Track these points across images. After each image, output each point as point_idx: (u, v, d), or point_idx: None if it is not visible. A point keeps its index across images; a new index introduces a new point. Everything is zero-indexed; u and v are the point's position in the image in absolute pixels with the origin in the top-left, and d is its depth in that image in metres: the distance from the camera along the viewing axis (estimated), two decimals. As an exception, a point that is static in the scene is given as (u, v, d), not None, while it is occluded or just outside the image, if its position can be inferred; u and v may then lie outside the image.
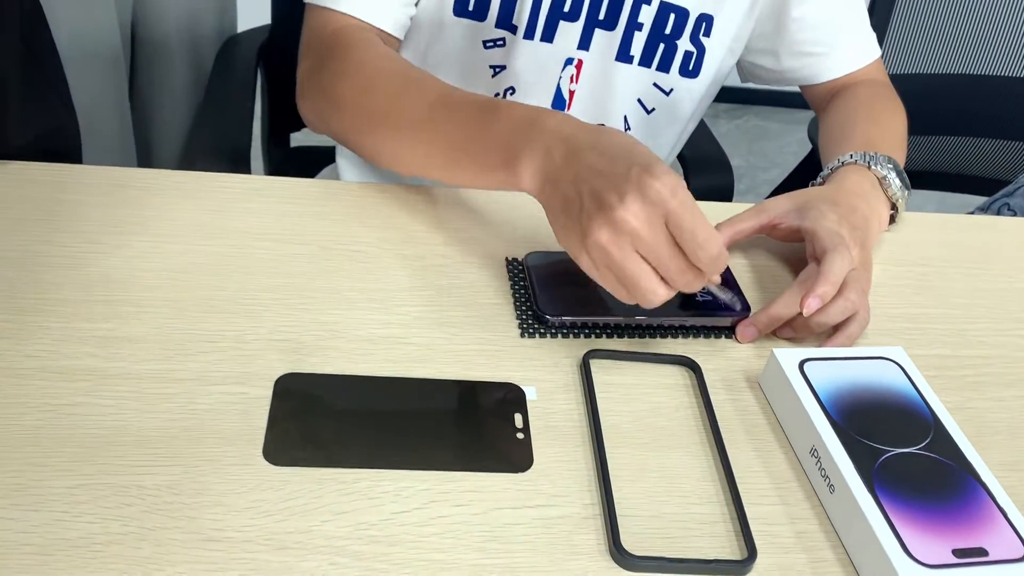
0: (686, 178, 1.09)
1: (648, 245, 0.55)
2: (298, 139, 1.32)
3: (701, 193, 1.06)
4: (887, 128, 0.83)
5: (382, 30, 0.78)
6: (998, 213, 1.20)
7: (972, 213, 1.23)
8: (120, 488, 0.49)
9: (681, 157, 1.09)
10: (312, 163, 1.20)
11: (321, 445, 0.53)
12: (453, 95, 0.67)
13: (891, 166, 0.74)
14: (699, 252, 0.55)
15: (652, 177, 0.55)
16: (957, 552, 0.49)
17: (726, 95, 2.87)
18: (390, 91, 0.70)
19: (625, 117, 0.89)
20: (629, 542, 0.50)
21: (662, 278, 0.57)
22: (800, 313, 0.63)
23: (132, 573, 0.45)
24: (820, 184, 0.76)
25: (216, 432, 0.53)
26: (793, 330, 0.65)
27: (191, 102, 1.19)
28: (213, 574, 0.45)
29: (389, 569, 0.47)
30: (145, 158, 1.20)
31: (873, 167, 0.74)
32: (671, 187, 0.55)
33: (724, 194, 1.09)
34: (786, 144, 2.70)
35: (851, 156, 0.75)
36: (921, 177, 1.48)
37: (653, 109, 0.90)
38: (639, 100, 0.89)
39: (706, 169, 1.10)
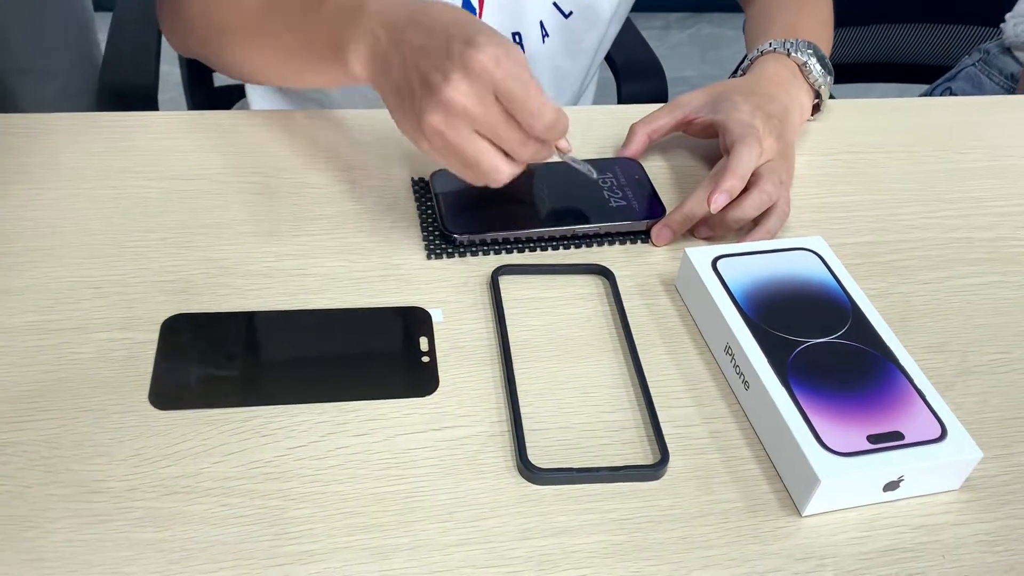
0: (617, 85, 1.06)
1: (481, 121, 0.52)
2: (223, 78, 1.26)
3: (634, 99, 1.04)
4: (809, 14, 0.80)
5: None
6: (938, 97, 1.17)
7: (914, 100, 1.21)
8: (-7, 447, 0.46)
9: (612, 63, 1.05)
10: (236, 101, 1.15)
11: (210, 386, 0.50)
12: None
13: (811, 51, 0.71)
14: (533, 122, 0.52)
15: (474, 50, 0.51)
16: (872, 438, 0.48)
17: (678, 3, 2.79)
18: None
19: (541, 23, 0.85)
20: (537, 456, 0.48)
21: (506, 154, 0.54)
22: (722, 212, 0.61)
23: (6, 532, 0.43)
24: (740, 76, 0.73)
25: (98, 381, 0.50)
26: (710, 228, 0.63)
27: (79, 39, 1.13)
28: (95, 525, 0.43)
29: (284, 505, 0.45)
30: (21, 102, 1.14)
31: (793, 54, 0.71)
32: (495, 58, 0.51)
33: (658, 99, 1.06)
34: (741, 51, 2.64)
35: (770, 44, 0.72)
36: (872, 69, 1.44)
37: (571, 12, 0.86)
38: (555, 4, 0.84)
39: (638, 75, 1.06)
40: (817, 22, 0.79)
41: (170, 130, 0.68)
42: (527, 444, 0.49)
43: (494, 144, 0.54)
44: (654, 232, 0.63)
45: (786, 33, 0.73)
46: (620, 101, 1.05)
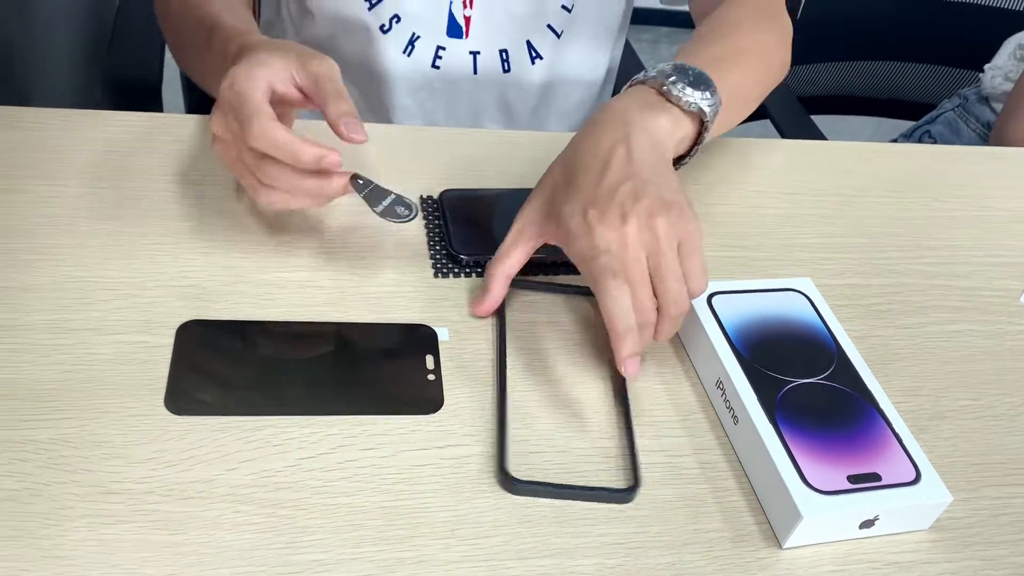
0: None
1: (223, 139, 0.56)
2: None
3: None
4: (736, 42, 0.68)
5: None
6: (919, 141, 1.21)
7: (895, 141, 1.25)
8: (12, 444, 0.47)
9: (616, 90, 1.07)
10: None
11: (225, 393, 0.52)
12: (215, 20, 0.65)
13: (674, 78, 0.58)
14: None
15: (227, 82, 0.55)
16: (852, 478, 0.51)
17: (668, 18, 2.80)
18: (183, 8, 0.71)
19: (529, 43, 0.86)
20: (520, 471, 0.51)
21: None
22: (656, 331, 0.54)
23: (26, 528, 0.44)
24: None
25: (115, 383, 0.51)
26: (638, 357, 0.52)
27: (85, 33, 1.13)
28: (112, 526, 0.45)
29: (294, 515, 0.47)
30: (29, 97, 1.14)
31: (647, 81, 0.59)
32: (230, 76, 0.55)
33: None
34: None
35: (628, 86, 0.60)
36: (857, 103, 1.48)
37: (562, 32, 0.86)
38: (549, 25, 0.85)
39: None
40: (743, 51, 0.68)
41: (188, 133, 0.69)
42: (509, 456, 0.51)
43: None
44: (625, 370, 0.52)
45: (685, 59, 0.61)
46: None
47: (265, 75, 0.55)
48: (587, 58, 0.90)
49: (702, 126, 0.60)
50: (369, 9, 0.81)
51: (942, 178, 0.82)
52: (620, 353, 0.51)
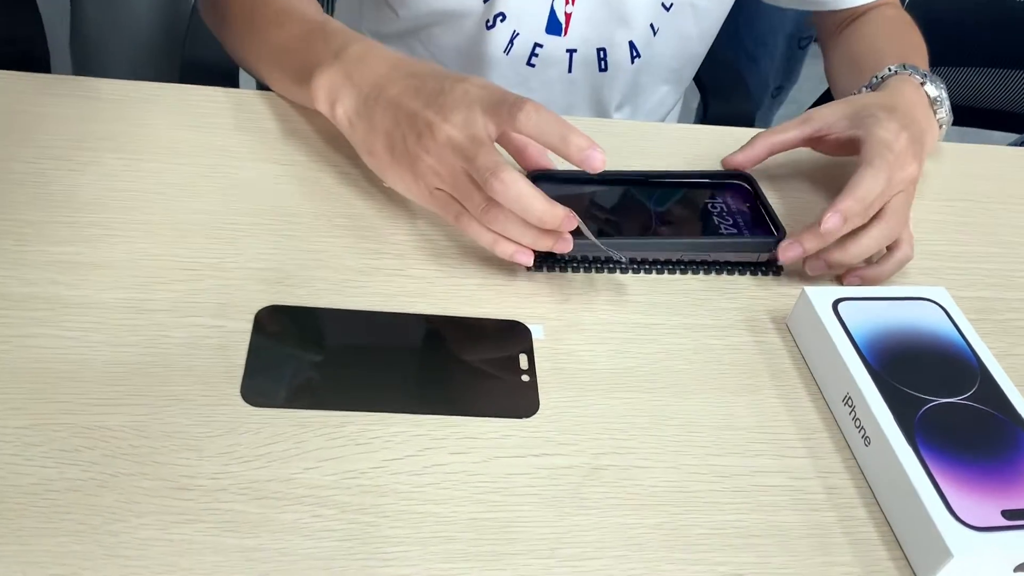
0: (704, 103, 1.02)
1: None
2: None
3: (720, 120, 1.01)
4: (918, 51, 0.76)
5: None
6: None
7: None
8: (80, 429, 0.44)
9: (699, 81, 1.02)
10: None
11: (305, 385, 0.48)
12: (301, 11, 0.64)
13: (943, 87, 0.67)
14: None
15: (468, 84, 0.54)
16: (1007, 513, 0.45)
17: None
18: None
19: (631, 43, 0.82)
20: (639, 495, 0.45)
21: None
22: (841, 244, 0.57)
23: (90, 523, 0.40)
24: (872, 92, 0.68)
25: (189, 369, 0.48)
26: (827, 263, 0.59)
27: (167, 11, 1.12)
28: (182, 525, 0.41)
29: (378, 522, 0.43)
30: (84, 68, 1.12)
31: (927, 85, 0.67)
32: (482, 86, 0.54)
33: (744, 122, 1.02)
34: (804, 79, 2.59)
35: (903, 67, 0.68)
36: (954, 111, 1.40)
37: (659, 29, 0.82)
38: (651, 25, 0.81)
39: (724, 94, 1.03)
40: (923, 58, 0.75)
41: (270, 111, 0.66)
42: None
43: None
44: (783, 247, 0.58)
45: (905, 62, 0.69)
46: (704, 122, 1.02)
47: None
48: (679, 54, 0.85)
49: None
50: (484, 2, 0.77)
51: (1078, 186, 0.75)
52: (836, 206, 0.56)
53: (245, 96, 0.67)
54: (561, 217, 0.52)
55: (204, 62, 0.94)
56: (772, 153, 0.65)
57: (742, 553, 0.44)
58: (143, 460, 0.43)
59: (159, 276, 0.52)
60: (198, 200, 0.57)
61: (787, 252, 0.58)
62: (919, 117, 0.63)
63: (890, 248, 0.59)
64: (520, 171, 0.59)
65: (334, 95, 0.57)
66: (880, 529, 0.47)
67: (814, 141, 0.65)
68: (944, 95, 0.67)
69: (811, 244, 0.57)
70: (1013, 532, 0.44)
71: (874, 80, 0.68)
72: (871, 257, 0.60)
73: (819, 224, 0.56)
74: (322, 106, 0.58)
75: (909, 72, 0.67)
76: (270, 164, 0.61)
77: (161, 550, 0.40)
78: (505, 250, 0.54)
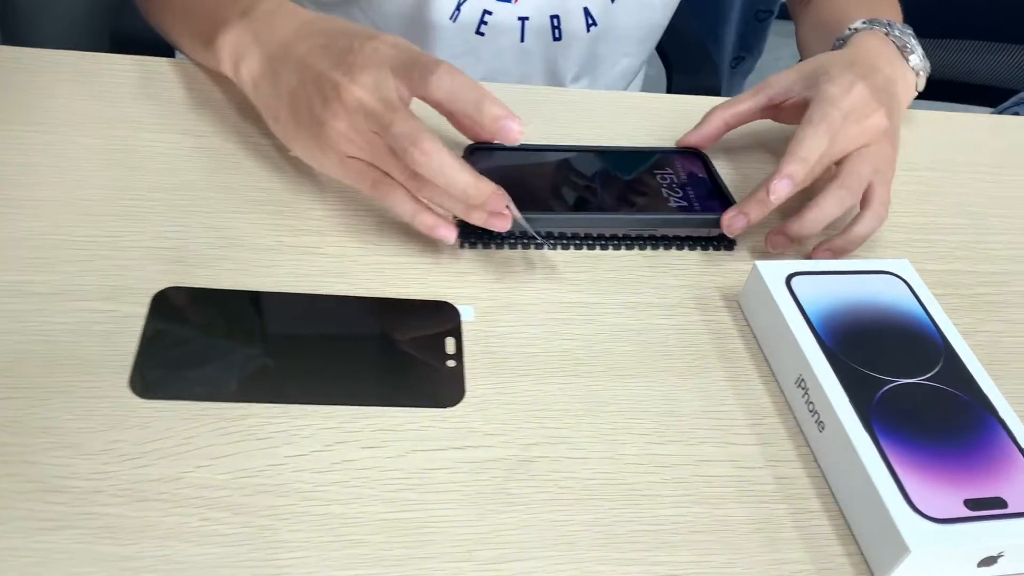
0: (668, 77, 0.98)
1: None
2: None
3: (685, 90, 0.97)
4: (890, 8, 0.72)
5: None
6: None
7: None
8: (-59, 427, 0.39)
9: (662, 52, 0.98)
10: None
11: (202, 374, 0.43)
12: None
13: (910, 33, 0.63)
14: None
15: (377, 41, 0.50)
16: (970, 503, 0.41)
17: None
18: None
19: (586, 9, 0.77)
20: (571, 489, 0.41)
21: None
22: (798, 214, 0.54)
23: (-57, 533, 0.36)
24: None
25: (73, 357, 0.43)
26: (787, 236, 0.55)
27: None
28: (50, 532, 0.37)
29: (274, 525, 0.38)
30: (15, 37, 1.06)
31: (891, 32, 0.63)
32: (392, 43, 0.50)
33: (709, 95, 0.98)
34: (779, 58, 2.55)
35: (863, 23, 0.64)
36: (931, 86, 1.36)
37: None
38: None
39: (689, 67, 0.98)
40: (897, 16, 0.71)
41: (182, 80, 0.61)
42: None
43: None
44: (727, 219, 0.54)
45: (875, 17, 0.65)
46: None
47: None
48: (640, 24, 0.80)
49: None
50: None
51: (1052, 154, 0.71)
52: (781, 170, 0.52)
53: (155, 64, 0.62)
54: (487, 193, 0.48)
55: (137, 32, 0.89)
56: (729, 128, 0.61)
57: (681, 551, 0.40)
58: (10, 460, 0.39)
59: (46, 256, 0.47)
60: (99, 175, 0.53)
61: (732, 223, 0.54)
62: (882, 65, 0.59)
63: (860, 209, 0.55)
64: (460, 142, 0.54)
65: (238, 55, 0.53)
66: (834, 522, 0.43)
67: (773, 110, 0.61)
68: (914, 42, 0.62)
69: (756, 212, 0.54)
70: (976, 523, 0.40)
71: (838, 43, 0.64)
72: (840, 225, 0.56)
73: (764, 191, 0.52)
74: (226, 67, 0.54)
75: (873, 25, 0.63)
76: (180, 136, 0.56)
77: (24, 561, 0.36)
78: (425, 222, 0.49)
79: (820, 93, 0.55)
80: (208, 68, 0.60)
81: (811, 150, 0.52)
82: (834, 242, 0.55)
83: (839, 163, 0.55)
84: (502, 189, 0.48)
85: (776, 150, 0.65)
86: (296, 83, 0.50)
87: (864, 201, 0.55)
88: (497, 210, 0.49)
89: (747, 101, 0.60)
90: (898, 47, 0.62)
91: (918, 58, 0.62)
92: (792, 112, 0.60)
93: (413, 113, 0.48)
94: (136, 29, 0.87)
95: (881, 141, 0.55)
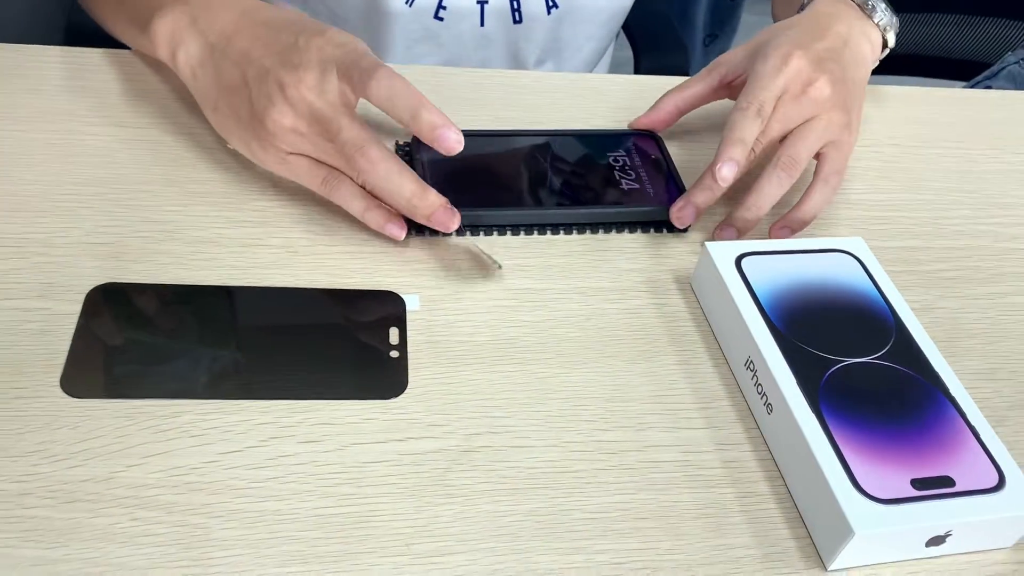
0: (636, 58, 0.97)
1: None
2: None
3: (654, 72, 0.96)
4: None
5: None
6: (981, 93, 1.08)
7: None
8: None
9: (629, 33, 0.96)
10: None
11: (136, 372, 0.42)
12: None
13: None
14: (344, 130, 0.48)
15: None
16: (917, 483, 0.40)
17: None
18: None
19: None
20: (513, 478, 0.41)
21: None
22: (740, 201, 0.53)
23: None
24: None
25: (3, 358, 0.42)
26: (734, 227, 0.54)
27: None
28: (-27, 538, 0.36)
29: (207, 523, 0.38)
30: None
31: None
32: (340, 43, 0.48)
33: (679, 72, 0.97)
34: (754, 24, 2.54)
35: None
36: (896, 61, 1.35)
37: None
38: None
39: (656, 47, 0.97)
40: None
41: (120, 71, 0.59)
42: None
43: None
44: (675, 210, 0.54)
45: None
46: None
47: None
48: (605, 5, 0.79)
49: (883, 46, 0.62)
50: None
51: (1015, 128, 0.70)
52: (721, 156, 0.51)
53: (90, 55, 0.60)
54: (434, 206, 0.48)
55: (93, 25, 0.87)
56: (682, 112, 0.60)
57: (626, 539, 0.40)
58: (-66, 464, 0.38)
59: (-24, 255, 0.46)
60: (31, 169, 0.51)
61: (681, 214, 0.54)
62: (834, 25, 0.57)
63: (812, 180, 0.55)
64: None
65: (176, 40, 0.51)
66: (783, 505, 0.42)
67: (727, 90, 0.60)
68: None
69: (703, 199, 0.53)
70: (923, 503, 0.39)
71: (800, 11, 0.63)
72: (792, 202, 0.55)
73: (711, 177, 0.52)
74: (163, 52, 0.53)
75: None
76: (116, 128, 0.55)
77: (-57, 567, 0.35)
78: (375, 219, 0.49)
79: (753, 73, 0.54)
80: (144, 55, 0.58)
81: (745, 131, 0.52)
82: (788, 217, 0.54)
83: (782, 141, 0.54)
84: (447, 202, 0.48)
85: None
86: (238, 77, 0.48)
87: (816, 172, 0.54)
88: (442, 219, 0.48)
89: (698, 83, 0.59)
90: (858, 4, 0.60)
91: (882, 13, 0.61)
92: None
93: (359, 118, 0.47)
94: (92, 23, 0.86)
95: (829, 110, 0.54)
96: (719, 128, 0.53)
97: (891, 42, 0.62)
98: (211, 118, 0.51)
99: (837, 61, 0.55)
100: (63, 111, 0.56)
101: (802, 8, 0.62)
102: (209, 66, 0.50)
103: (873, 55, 0.61)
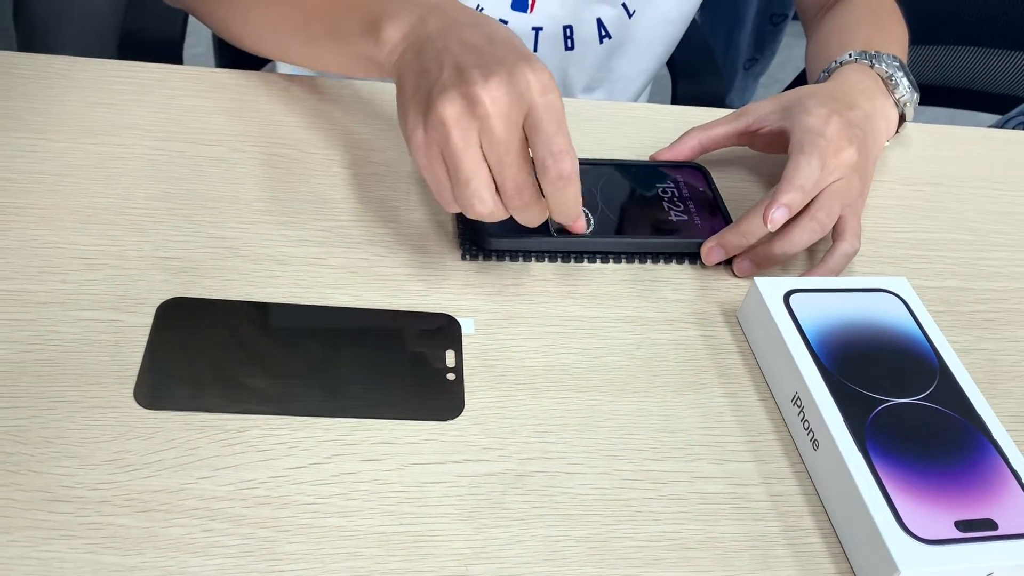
0: (673, 83, 0.98)
1: (495, 138, 0.45)
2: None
3: (689, 99, 0.97)
4: (891, 33, 0.72)
5: None
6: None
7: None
8: (-52, 435, 0.40)
9: (669, 59, 0.98)
10: (268, 62, 1.09)
11: (206, 386, 0.44)
12: None
13: (897, 64, 0.64)
14: (548, 162, 0.45)
15: (528, 67, 0.46)
16: (961, 525, 0.41)
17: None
18: None
19: (599, 20, 0.77)
20: (566, 504, 0.42)
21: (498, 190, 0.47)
22: (769, 238, 0.54)
23: (-50, 542, 0.37)
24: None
25: (79, 368, 0.44)
26: (753, 262, 0.55)
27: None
28: (55, 541, 0.37)
29: (275, 537, 0.39)
30: (31, 43, 1.07)
31: (876, 65, 0.63)
32: (544, 84, 0.46)
33: (714, 101, 0.98)
34: (789, 59, 2.55)
35: (849, 55, 0.64)
36: (927, 93, 1.36)
37: (634, 12, 0.78)
38: (624, 5, 0.77)
39: (695, 73, 0.99)
40: (900, 44, 0.72)
41: (190, 87, 0.61)
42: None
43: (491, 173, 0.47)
44: (705, 251, 0.55)
45: (866, 47, 0.66)
46: (675, 102, 0.98)
47: None
48: (659, 38, 0.81)
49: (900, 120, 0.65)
50: None
51: (1054, 170, 0.71)
52: (778, 199, 0.53)
53: (159, 70, 0.62)
54: (573, 219, 0.50)
55: (145, 36, 0.89)
56: (705, 150, 0.62)
57: (676, 568, 0.41)
58: (17, 469, 0.39)
59: (52, 266, 0.48)
60: (106, 183, 0.53)
61: (709, 255, 0.55)
62: (860, 100, 0.60)
63: (834, 242, 0.56)
64: None
65: (399, 35, 0.51)
66: (827, 540, 0.43)
67: (748, 137, 0.62)
68: (899, 74, 0.63)
69: (733, 244, 0.55)
70: (967, 545, 0.40)
71: (823, 75, 0.65)
72: (814, 255, 0.56)
73: (751, 221, 0.53)
74: (387, 55, 0.51)
75: (855, 59, 0.64)
76: (188, 144, 0.57)
77: (27, 570, 0.36)
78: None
79: (800, 124, 0.56)
80: (333, 71, 0.58)
81: (807, 178, 0.53)
82: (810, 274, 0.56)
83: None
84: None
85: (756, 169, 0.65)
86: (435, 63, 0.48)
87: (837, 233, 0.56)
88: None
89: (724, 126, 0.61)
90: (883, 79, 0.63)
91: (904, 90, 0.63)
92: (766, 140, 0.61)
93: (528, 163, 0.47)
94: (143, 31, 0.89)
95: (851, 176, 0.56)
96: (739, 162, 0.54)
97: (909, 116, 0.65)
98: (398, 98, 0.50)
99: (863, 130, 0.57)
100: (133, 125, 0.57)
101: (826, 73, 0.65)
102: (416, 49, 0.49)
103: (888, 132, 0.63)
